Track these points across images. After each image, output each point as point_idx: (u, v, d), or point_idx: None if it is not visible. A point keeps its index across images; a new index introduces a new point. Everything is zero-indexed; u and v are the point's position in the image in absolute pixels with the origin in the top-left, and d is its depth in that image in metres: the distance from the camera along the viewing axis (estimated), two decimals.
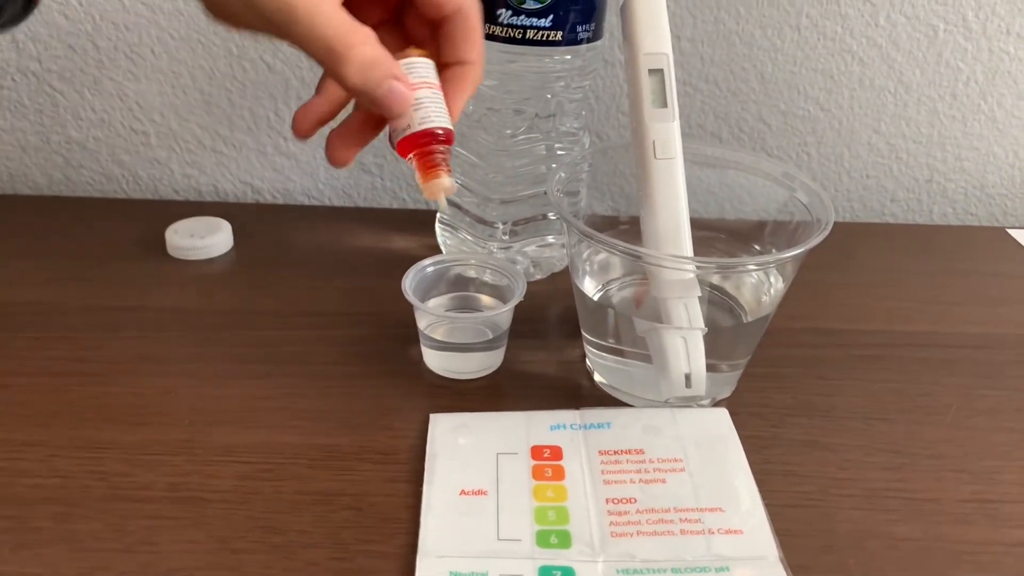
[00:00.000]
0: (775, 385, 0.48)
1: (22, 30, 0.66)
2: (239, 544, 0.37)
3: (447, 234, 0.60)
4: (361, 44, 0.33)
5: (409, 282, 0.47)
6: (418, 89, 0.35)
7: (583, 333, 0.48)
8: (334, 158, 0.37)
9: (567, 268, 0.57)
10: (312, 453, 0.42)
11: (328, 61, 0.33)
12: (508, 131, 0.53)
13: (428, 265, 0.50)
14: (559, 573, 0.35)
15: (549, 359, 0.50)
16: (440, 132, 0.35)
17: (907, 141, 0.71)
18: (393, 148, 0.37)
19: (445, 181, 0.36)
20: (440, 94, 0.36)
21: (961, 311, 0.57)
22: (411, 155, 0.36)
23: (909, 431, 0.45)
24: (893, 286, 0.60)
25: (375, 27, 0.36)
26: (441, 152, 0.36)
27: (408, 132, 0.35)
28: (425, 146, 0.36)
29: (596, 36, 0.51)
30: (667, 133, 0.42)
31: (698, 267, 0.42)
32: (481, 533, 0.37)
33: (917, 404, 0.47)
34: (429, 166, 0.36)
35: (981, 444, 0.44)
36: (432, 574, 0.35)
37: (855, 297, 0.58)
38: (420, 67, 0.36)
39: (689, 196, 0.42)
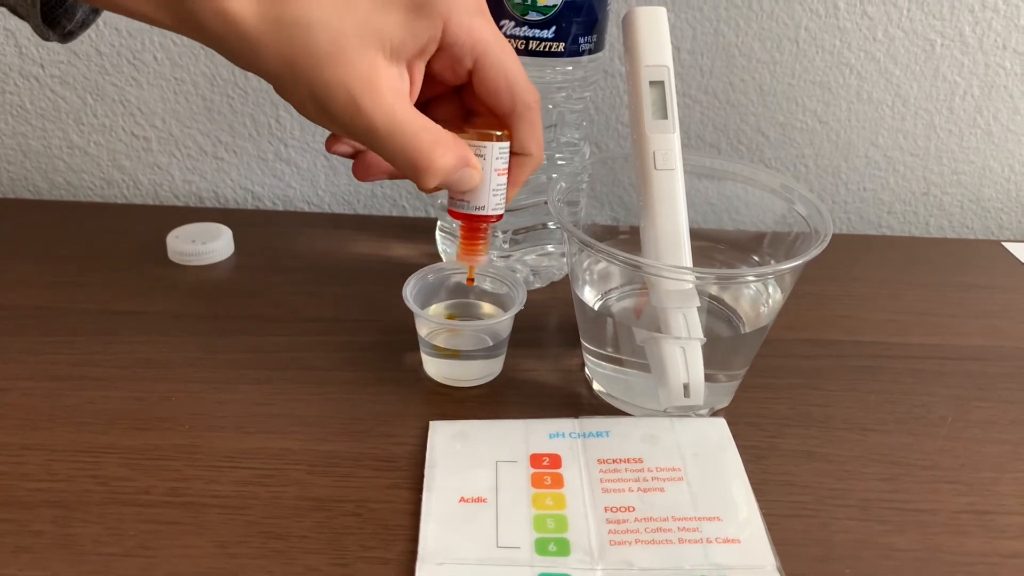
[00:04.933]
0: (772, 395, 0.49)
1: (26, 34, 0.66)
2: (238, 549, 0.37)
3: (447, 242, 0.60)
4: (441, 157, 0.35)
5: (410, 289, 0.48)
6: (488, 173, 0.38)
7: (582, 342, 0.48)
8: (362, 177, 0.40)
9: (566, 277, 0.58)
10: (312, 459, 0.42)
11: (410, 175, 0.35)
12: None
13: (429, 273, 0.50)
14: None
15: (548, 367, 0.51)
16: (494, 218, 0.40)
17: (904, 154, 0.71)
18: (447, 207, 0.40)
19: (482, 259, 0.42)
20: (505, 179, 0.39)
21: (957, 323, 0.57)
22: (459, 223, 0.41)
23: (905, 442, 0.46)
24: (889, 298, 0.60)
25: (435, 100, 0.38)
26: (485, 231, 0.41)
27: (465, 211, 0.39)
28: (475, 224, 0.40)
29: (598, 48, 0.52)
30: (667, 144, 0.43)
31: (697, 277, 0.42)
32: (480, 540, 0.37)
33: (913, 415, 0.48)
34: (475, 241, 0.41)
35: (976, 456, 0.45)
36: None
37: (851, 308, 0.59)
38: (497, 152, 0.38)
39: (688, 207, 0.43)
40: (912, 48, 0.67)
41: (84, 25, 0.40)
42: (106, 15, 0.65)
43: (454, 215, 0.40)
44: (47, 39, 0.39)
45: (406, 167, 0.35)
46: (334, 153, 0.39)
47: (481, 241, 0.41)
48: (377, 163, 0.39)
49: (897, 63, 0.67)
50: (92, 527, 0.38)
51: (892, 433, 0.46)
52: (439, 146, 0.35)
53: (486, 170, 0.38)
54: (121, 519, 0.38)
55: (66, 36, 0.40)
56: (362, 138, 0.34)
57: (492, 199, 0.39)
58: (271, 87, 0.34)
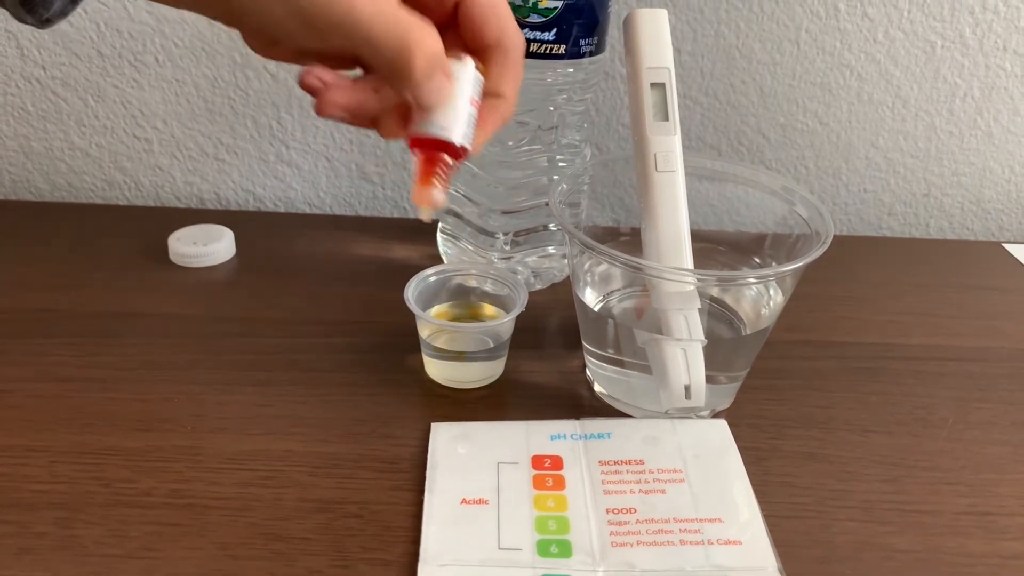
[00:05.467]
0: (774, 397, 0.49)
1: (27, 36, 0.67)
2: (241, 551, 0.37)
3: (448, 244, 0.60)
4: (428, 37, 0.32)
5: (411, 291, 0.48)
6: (458, 95, 0.35)
7: (584, 343, 0.48)
8: (321, 110, 0.35)
9: (567, 279, 0.58)
10: (314, 461, 0.42)
11: (395, 62, 0.32)
12: (510, 142, 0.54)
13: (430, 274, 0.50)
14: None
15: (549, 369, 0.51)
16: (457, 146, 0.35)
17: (904, 155, 0.71)
18: (406, 137, 0.36)
19: (437, 195, 0.36)
20: (475, 112, 0.36)
21: (957, 324, 0.57)
22: (416, 151, 0.36)
23: (906, 443, 0.46)
24: (890, 299, 0.60)
25: None
26: (447, 165, 0.36)
27: (427, 133, 0.35)
28: (435, 153, 0.35)
29: (598, 50, 0.52)
30: (668, 146, 0.43)
31: (698, 279, 0.42)
32: (482, 542, 0.37)
33: (914, 416, 0.48)
34: (429, 173, 0.36)
35: (977, 457, 0.45)
36: None
37: (852, 310, 0.59)
38: (470, 77, 0.35)
39: (689, 209, 0.43)
40: (912, 50, 0.67)
41: (63, 14, 0.39)
42: (106, 16, 0.66)
43: (415, 142, 0.35)
44: (24, 22, 0.37)
45: (390, 53, 0.32)
46: (305, 88, 0.35)
47: (439, 174, 0.36)
48: (339, 95, 0.35)
49: (897, 65, 0.67)
50: (95, 528, 0.38)
51: (893, 434, 0.46)
52: (425, 29, 0.32)
53: (457, 92, 0.35)
54: (124, 521, 0.38)
55: (44, 23, 0.38)
56: (341, 30, 0.31)
57: (460, 126, 0.35)
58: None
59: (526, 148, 0.54)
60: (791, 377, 0.51)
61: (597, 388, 0.49)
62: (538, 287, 0.59)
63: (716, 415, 0.47)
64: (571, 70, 0.51)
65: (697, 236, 0.44)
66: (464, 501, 0.39)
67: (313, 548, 0.37)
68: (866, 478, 0.43)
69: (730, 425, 0.45)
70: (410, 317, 0.47)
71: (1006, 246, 0.70)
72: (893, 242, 0.72)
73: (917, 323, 0.57)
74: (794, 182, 0.48)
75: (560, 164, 0.56)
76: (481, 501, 0.39)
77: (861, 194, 0.73)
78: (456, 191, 0.58)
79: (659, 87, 0.43)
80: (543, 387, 0.49)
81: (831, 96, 0.69)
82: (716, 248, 0.51)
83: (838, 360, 0.53)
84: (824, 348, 0.54)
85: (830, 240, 0.42)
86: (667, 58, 0.43)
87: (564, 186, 0.47)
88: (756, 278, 0.47)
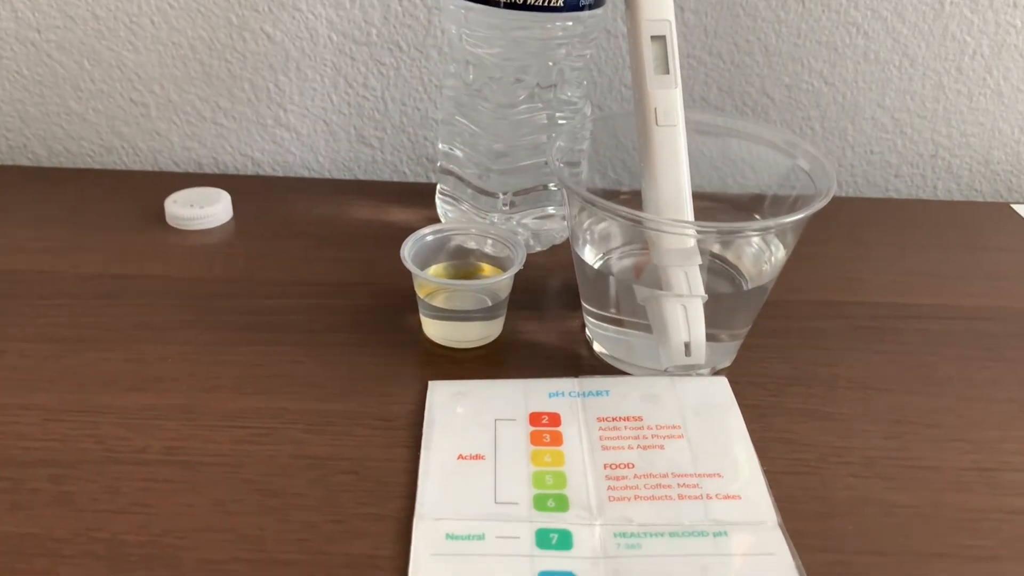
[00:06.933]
0: (775, 355, 0.48)
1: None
2: (234, 507, 0.37)
3: (448, 206, 0.60)
4: None
5: (408, 250, 0.47)
6: None
7: (583, 303, 0.48)
8: None
9: (567, 241, 0.57)
10: (309, 418, 0.42)
11: None
12: (509, 100, 0.53)
13: (427, 234, 0.49)
14: (556, 536, 0.35)
15: (548, 329, 0.50)
16: None
17: (912, 116, 0.70)
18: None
19: None
20: None
21: (963, 285, 0.57)
22: None
23: (909, 401, 0.45)
24: (896, 260, 0.60)
25: None
26: None
27: None
28: None
29: (598, 3, 0.51)
30: (669, 100, 0.42)
31: (699, 232, 0.41)
32: (478, 496, 0.37)
33: (917, 375, 0.47)
34: None
35: (981, 414, 0.44)
36: (428, 536, 0.35)
37: (857, 270, 0.58)
38: None
39: (691, 167, 0.42)
40: (920, 6, 0.65)
41: None
42: None
43: None
44: None
45: None
46: None
47: None
48: None
49: (905, 22, 0.66)
50: (89, 485, 0.38)
51: (896, 392, 0.46)
52: None
53: None
54: (118, 477, 0.38)
55: None
56: None
57: None
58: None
59: (525, 106, 0.53)
60: (794, 336, 0.50)
61: (596, 348, 0.48)
62: (538, 249, 0.58)
63: (716, 373, 0.46)
64: (570, 23, 0.50)
65: (698, 195, 0.43)
66: (460, 457, 0.39)
67: (307, 503, 0.37)
68: (868, 435, 0.42)
69: (731, 383, 0.44)
70: (408, 279, 0.47)
71: (1014, 207, 0.69)
72: (900, 203, 0.71)
73: (923, 284, 0.57)
74: (796, 136, 0.47)
75: (560, 122, 0.55)
76: (478, 457, 0.39)
77: (867, 155, 0.72)
78: (453, 150, 0.57)
79: (659, 39, 0.42)
80: (542, 347, 0.49)
81: (837, 55, 0.67)
82: (717, 206, 0.50)
83: (842, 319, 0.52)
84: (828, 308, 0.53)
85: (832, 191, 0.41)
86: (668, 10, 0.42)
87: (562, 143, 0.46)
88: (757, 230, 0.46)
